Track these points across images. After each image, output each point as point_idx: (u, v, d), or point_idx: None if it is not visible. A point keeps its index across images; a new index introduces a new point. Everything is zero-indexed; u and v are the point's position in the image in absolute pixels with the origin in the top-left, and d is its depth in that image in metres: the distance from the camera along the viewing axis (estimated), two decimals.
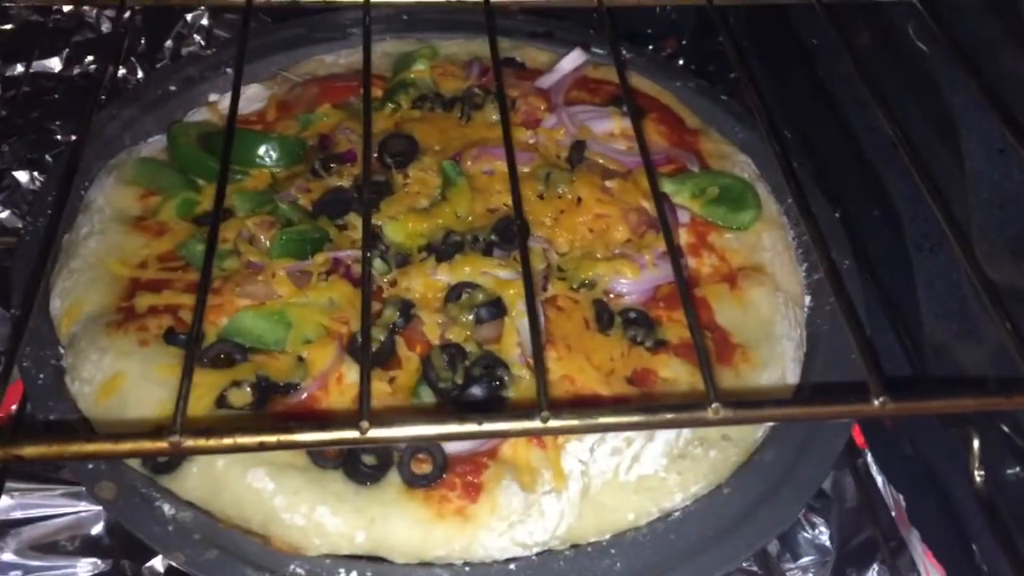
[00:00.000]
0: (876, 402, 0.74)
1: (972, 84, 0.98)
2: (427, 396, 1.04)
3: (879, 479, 1.31)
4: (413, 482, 0.98)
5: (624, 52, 1.52)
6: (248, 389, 1.03)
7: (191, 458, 0.99)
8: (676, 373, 1.09)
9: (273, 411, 1.03)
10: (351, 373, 1.06)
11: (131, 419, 1.02)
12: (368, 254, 0.82)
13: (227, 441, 0.69)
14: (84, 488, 1.16)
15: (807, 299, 1.26)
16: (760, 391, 1.11)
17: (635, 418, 0.73)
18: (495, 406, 1.04)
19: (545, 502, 0.99)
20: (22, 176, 1.64)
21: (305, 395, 1.04)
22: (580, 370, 1.07)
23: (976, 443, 1.08)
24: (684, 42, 1.88)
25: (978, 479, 1.09)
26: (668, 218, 1.18)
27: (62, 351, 1.12)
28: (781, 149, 1.02)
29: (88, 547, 1.21)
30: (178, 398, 0.71)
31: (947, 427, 1.12)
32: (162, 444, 0.68)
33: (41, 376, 1.09)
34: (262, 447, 0.70)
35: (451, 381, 1.04)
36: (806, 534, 1.28)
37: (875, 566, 1.24)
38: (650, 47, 1.86)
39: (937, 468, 1.19)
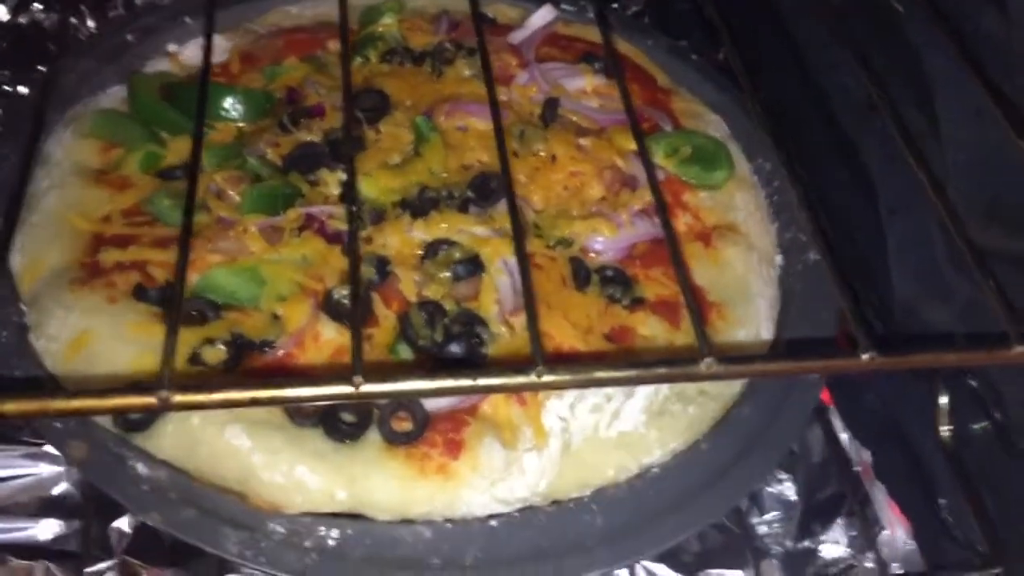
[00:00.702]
0: (864, 356, 0.75)
1: (950, 45, 0.99)
2: (405, 353, 1.03)
3: (844, 436, 1.33)
4: (394, 439, 0.97)
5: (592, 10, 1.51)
6: (222, 347, 1.01)
7: (165, 416, 0.97)
8: (654, 331, 1.10)
9: (250, 367, 1.01)
10: (327, 331, 1.04)
11: (102, 376, 1.00)
12: (355, 209, 0.80)
13: (217, 396, 0.67)
14: (44, 448, 1.13)
15: (778, 258, 1.27)
16: (737, 347, 1.12)
17: (629, 372, 0.73)
18: (475, 363, 1.03)
19: (526, 459, 0.99)
20: None
21: (281, 352, 1.03)
22: (558, 328, 1.07)
23: (943, 399, 1.11)
24: None
25: (945, 433, 1.11)
26: (636, 177, 1.19)
27: (24, 308, 1.09)
28: (763, 110, 1.02)
29: (49, 508, 1.17)
30: (164, 351, 0.68)
31: (914, 381, 1.14)
32: (150, 399, 0.66)
33: (4, 334, 1.06)
34: (254, 402, 0.68)
35: (430, 339, 1.03)
36: (771, 489, 1.29)
37: (840, 520, 1.26)
38: (614, 5, 1.84)
39: (903, 423, 1.21)
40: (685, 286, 0.82)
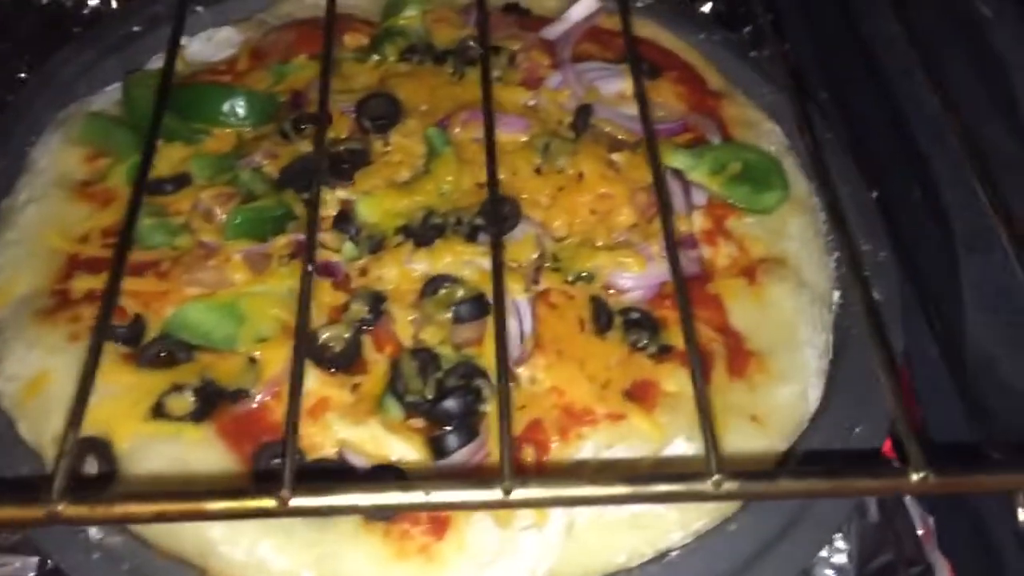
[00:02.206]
0: (915, 477, 0.61)
1: None
2: (394, 409, 0.91)
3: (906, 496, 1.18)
4: (371, 514, 0.86)
5: None
6: (190, 396, 0.90)
7: (121, 478, 0.87)
8: (681, 387, 0.95)
9: (219, 423, 0.90)
10: (309, 379, 0.92)
11: (57, 423, 0.90)
12: (311, 259, 0.68)
13: (117, 510, 0.57)
14: (17, 540, 1.04)
15: (836, 295, 1.10)
16: (777, 408, 0.97)
17: (619, 490, 0.60)
18: (470, 422, 0.91)
19: (522, 540, 0.86)
20: None
21: (255, 404, 0.92)
22: (571, 381, 0.94)
23: None
24: None
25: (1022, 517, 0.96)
26: (672, 200, 1.05)
27: None
28: (803, 111, 0.88)
29: None
30: (59, 454, 0.58)
31: None
32: (36, 512, 0.56)
33: None
34: (161, 518, 0.57)
35: (421, 394, 0.91)
36: (822, 552, 1.15)
37: None
38: None
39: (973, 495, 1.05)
40: (694, 355, 0.68)
